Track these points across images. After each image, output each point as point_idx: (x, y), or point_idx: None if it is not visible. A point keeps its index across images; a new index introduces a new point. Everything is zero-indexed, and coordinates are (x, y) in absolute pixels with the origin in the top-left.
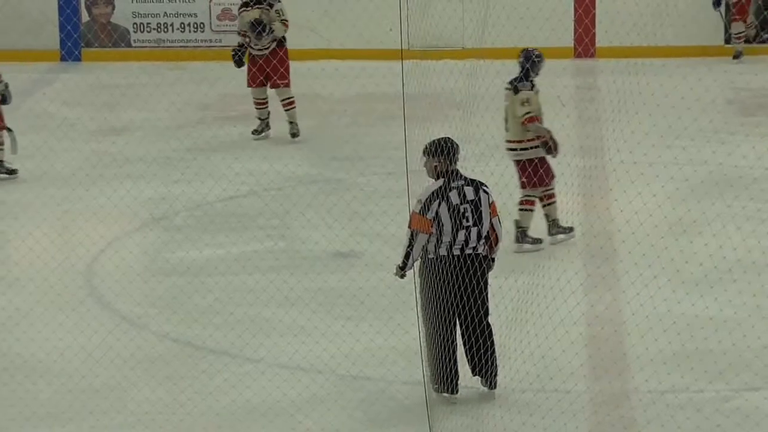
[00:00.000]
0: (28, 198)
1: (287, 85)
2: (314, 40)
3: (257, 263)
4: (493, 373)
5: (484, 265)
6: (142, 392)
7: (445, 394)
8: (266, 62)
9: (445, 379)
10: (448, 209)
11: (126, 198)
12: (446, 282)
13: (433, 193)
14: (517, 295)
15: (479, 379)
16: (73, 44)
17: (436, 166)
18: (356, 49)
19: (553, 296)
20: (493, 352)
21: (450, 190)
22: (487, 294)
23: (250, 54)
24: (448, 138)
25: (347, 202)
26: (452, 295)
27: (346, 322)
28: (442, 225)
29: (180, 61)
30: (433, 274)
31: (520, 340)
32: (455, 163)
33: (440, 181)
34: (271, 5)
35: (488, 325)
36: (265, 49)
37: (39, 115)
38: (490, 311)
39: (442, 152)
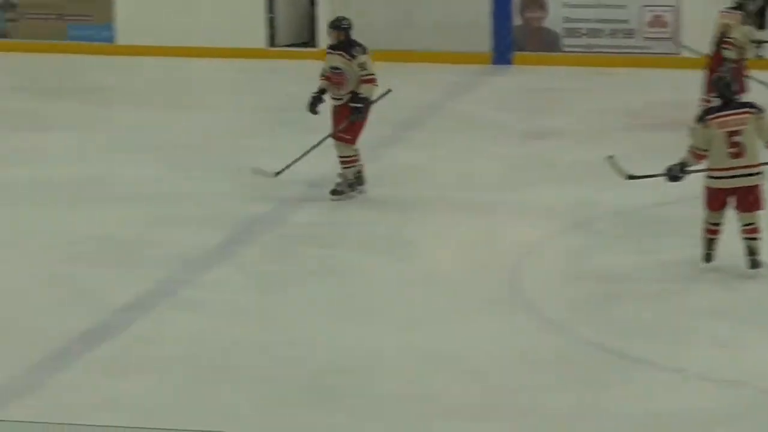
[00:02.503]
0: (449, 193)
1: (350, 142)
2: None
3: (675, 271)
4: None
5: None
6: (559, 396)
7: None
8: (341, 112)
9: None
10: None
11: (550, 201)
12: None
13: None
14: None
15: None
16: (505, 48)
17: None
18: None
19: None
20: None
21: None
22: None
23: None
24: None
25: None
26: None
27: None
28: None
29: (608, 67)
30: None
31: None
32: None
33: None
34: (353, 56)
35: None
36: (340, 99)
37: (462, 117)
38: None
39: None
